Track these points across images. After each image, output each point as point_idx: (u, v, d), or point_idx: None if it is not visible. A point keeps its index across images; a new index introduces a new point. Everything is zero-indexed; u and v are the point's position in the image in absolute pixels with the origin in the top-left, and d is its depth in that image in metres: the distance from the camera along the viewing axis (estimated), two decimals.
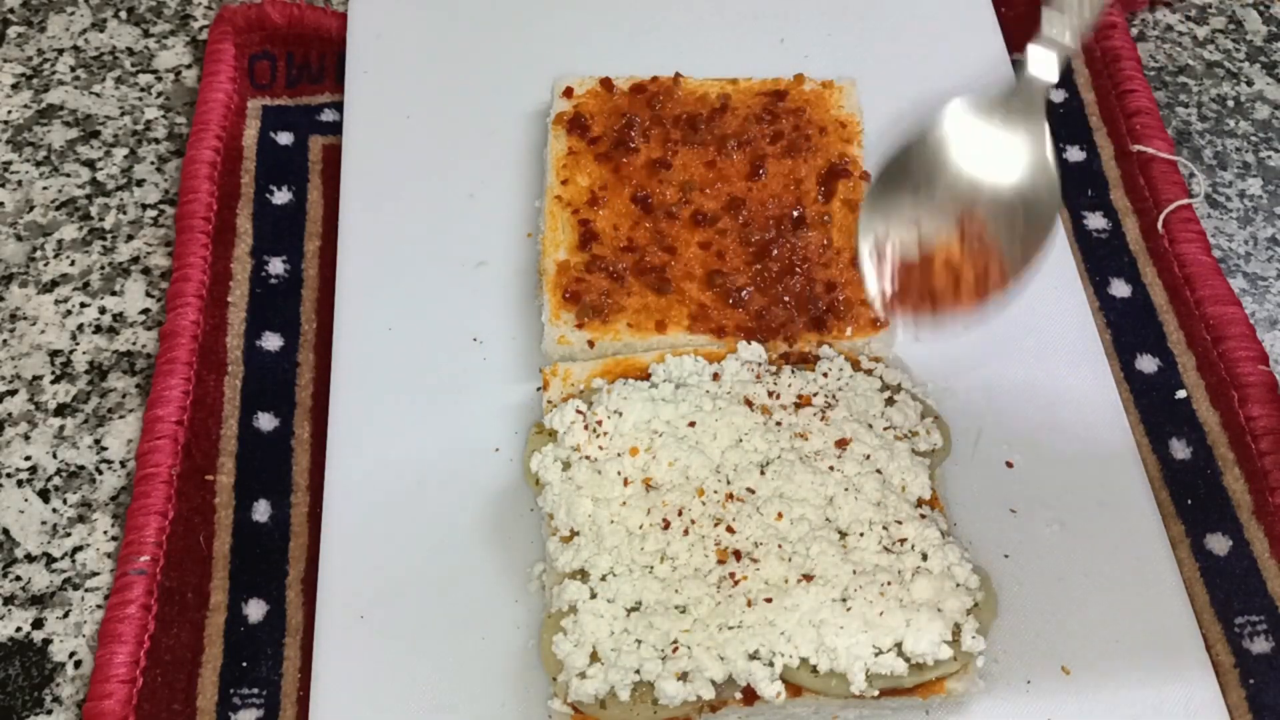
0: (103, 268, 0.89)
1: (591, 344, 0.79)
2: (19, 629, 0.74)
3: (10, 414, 0.82)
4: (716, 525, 0.69)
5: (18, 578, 0.76)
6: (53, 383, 0.84)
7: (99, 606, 0.75)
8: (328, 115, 0.96)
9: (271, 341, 0.85)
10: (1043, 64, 0.65)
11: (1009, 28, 0.99)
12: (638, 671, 0.65)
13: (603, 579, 0.68)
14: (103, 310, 0.87)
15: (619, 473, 0.71)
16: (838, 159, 0.86)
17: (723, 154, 0.87)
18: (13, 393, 0.83)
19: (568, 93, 0.90)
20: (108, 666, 0.71)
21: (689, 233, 0.83)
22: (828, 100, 0.90)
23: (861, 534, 0.69)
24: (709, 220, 0.84)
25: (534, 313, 0.83)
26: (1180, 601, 0.73)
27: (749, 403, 0.74)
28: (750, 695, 0.66)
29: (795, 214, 0.84)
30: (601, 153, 0.87)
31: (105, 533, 0.78)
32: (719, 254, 0.82)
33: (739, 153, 0.87)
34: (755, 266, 0.82)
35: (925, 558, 0.69)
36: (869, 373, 0.77)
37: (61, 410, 0.83)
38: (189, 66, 1.01)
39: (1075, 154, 0.95)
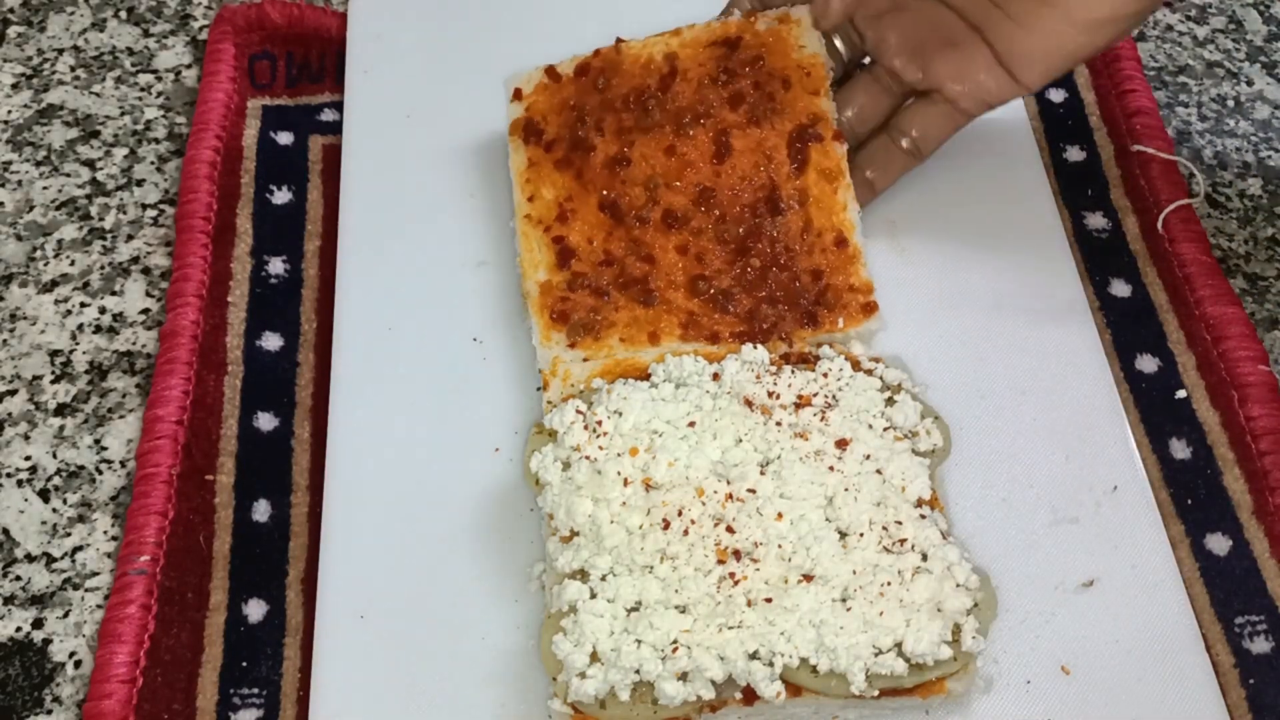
0: (103, 268, 0.89)
1: (587, 361, 0.78)
2: (19, 629, 0.74)
3: (10, 414, 0.82)
4: (716, 525, 0.69)
5: (18, 578, 0.76)
6: (53, 383, 0.84)
7: (99, 606, 0.75)
8: (328, 115, 0.96)
9: (271, 341, 0.85)
10: None
11: None
12: (638, 671, 0.65)
13: (603, 579, 0.68)
14: (103, 310, 0.87)
15: (619, 473, 0.71)
16: (807, 119, 0.81)
17: (681, 135, 0.81)
18: (13, 393, 0.83)
19: (517, 95, 0.86)
20: (108, 666, 0.71)
21: (664, 237, 0.80)
22: (787, 40, 0.83)
23: (861, 534, 0.69)
24: (681, 220, 0.80)
25: None
26: (1180, 601, 0.73)
27: (749, 403, 0.74)
28: (750, 695, 0.66)
29: (769, 197, 0.80)
30: (560, 158, 0.83)
31: (105, 533, 0.78)
32: (698, 257, 0.80)
33: (697, 128, 0.81)
34: (736, 266, 0.79)
35: (925, 558, 0.69)
36: (869, 373, 0.77)
37: (61, 410, 0.83)
38: (189, 66, 1.01)
39: (1075, 154, 0.94)
